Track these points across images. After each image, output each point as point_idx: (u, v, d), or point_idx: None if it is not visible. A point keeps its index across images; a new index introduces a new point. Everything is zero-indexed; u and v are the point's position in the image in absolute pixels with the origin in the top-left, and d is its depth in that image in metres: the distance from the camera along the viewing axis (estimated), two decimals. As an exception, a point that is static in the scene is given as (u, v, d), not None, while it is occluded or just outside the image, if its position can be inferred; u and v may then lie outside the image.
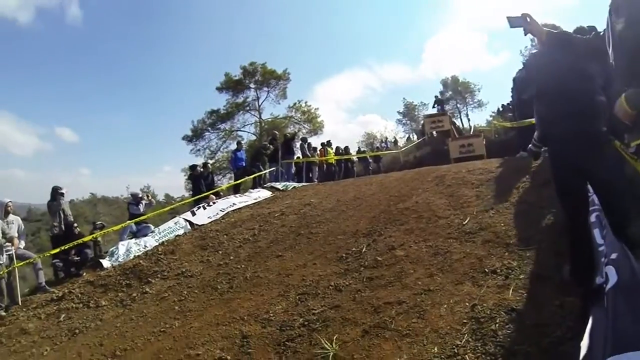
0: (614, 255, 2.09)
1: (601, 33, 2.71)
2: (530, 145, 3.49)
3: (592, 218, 2.71)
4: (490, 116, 27.39)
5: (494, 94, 61.16)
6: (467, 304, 3.05)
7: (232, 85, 29.63)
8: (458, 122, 31.23)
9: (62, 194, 8.19)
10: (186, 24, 59.34)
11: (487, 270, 3.43)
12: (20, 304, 6.41)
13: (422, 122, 21.49)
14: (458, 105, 37.39)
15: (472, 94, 36.96)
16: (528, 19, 2.71)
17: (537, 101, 2.95)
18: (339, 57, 63.58)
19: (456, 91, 36.98)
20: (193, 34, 59.38)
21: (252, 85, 29.99)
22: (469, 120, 35.93)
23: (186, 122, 39.85)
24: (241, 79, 29.68)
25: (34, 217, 31.88)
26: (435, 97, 22.01)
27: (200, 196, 10.00)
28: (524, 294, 2.95)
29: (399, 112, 38.26)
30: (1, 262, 6.41)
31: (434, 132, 17.59)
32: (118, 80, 60.82)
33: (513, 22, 2.75)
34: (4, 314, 6.12)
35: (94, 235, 8.01)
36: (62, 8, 55.82)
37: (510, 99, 11.20)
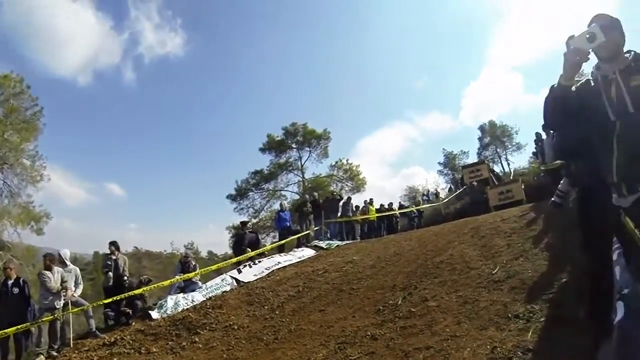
0: (625, 291, 2.24)
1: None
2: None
3: (614, 256, 2.80)
4: (530, 157, 26.54)
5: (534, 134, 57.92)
6: (488, 346, 3.22)
7: (274, 146, 30.20)
8: (499, 168, 30.51)
9: (118, 248, 8.55)
10: (230, 87, 63.72)
11: (510, 315, 3.59)
12: (71, 346, 6.64)
13: (461, 172, 21.39)
14: (497, 150, 36.32)
15: (510, 137, 35.85)
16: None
17: None
18: (379, 112, 64.00)
19: (494, 136, 36.05)
20: (237, 96, 63.22)
21: (294, 146, 30.40)
22: (508, 164, 34.63)
23: (231, 180, 41.70)
24: (283, 140, 30.20)
25: (78, 265, 33.91)
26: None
27: (242, 257, 9.92)
28: (542, 335, 3.10)
29: (439, 163, 37.73)
30: (58, 307, 6.74)
31: (474, 182, 17.33)
32: (166, 138, 64.29)
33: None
34: (55, 354, 6.39)
35: (144, 289, 8.14)
36: (118, 71, 62.94)
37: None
